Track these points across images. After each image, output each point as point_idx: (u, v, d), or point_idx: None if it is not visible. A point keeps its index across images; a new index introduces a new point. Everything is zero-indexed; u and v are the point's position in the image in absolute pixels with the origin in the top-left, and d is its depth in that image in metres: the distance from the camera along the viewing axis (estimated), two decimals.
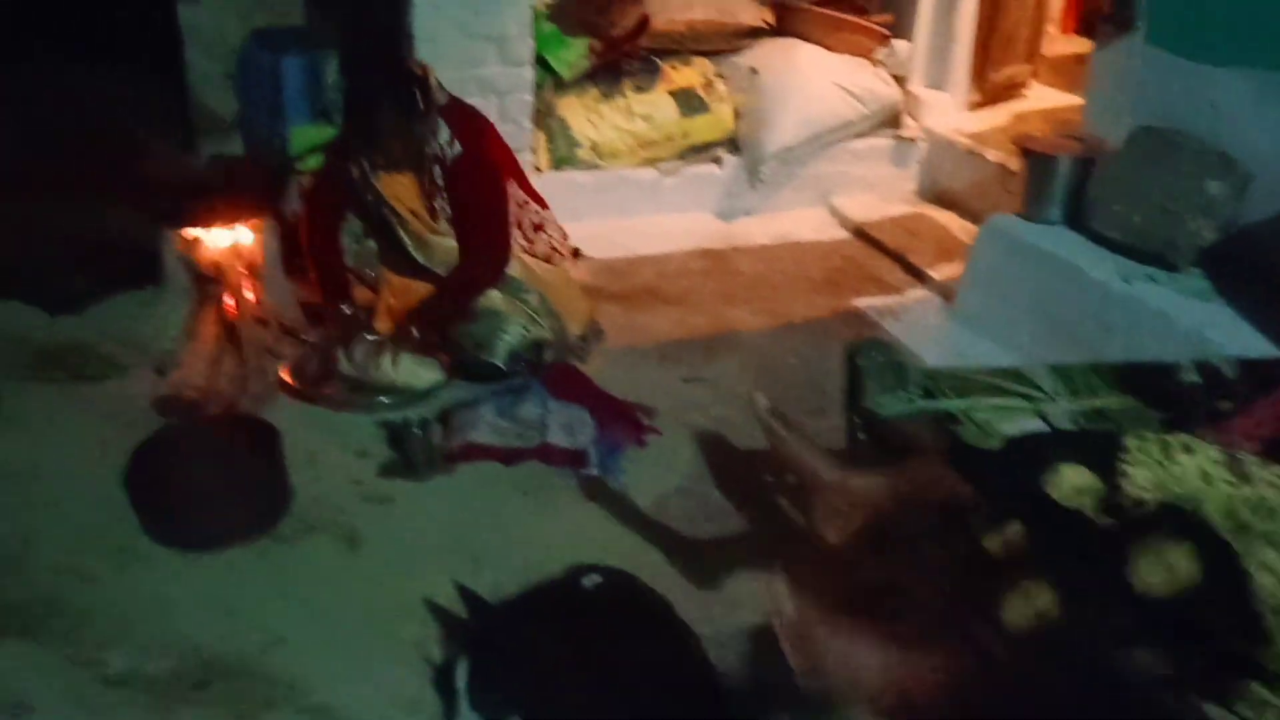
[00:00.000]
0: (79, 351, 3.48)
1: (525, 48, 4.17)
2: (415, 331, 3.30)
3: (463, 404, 3.17)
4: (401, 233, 3.37)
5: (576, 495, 2.94)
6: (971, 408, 2.32)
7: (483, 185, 3.30)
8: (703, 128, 4.64)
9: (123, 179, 3.83)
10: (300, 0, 5.52)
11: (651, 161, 4.65)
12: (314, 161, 5.00)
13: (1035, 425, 2.28)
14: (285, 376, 3.37)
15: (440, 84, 3.32)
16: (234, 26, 5.36)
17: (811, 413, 3.28)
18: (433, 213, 3.34)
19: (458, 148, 3.25)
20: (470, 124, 3.35)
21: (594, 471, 2.94)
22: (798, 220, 4.72)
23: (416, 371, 3.26)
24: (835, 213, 4.76)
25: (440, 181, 3.28)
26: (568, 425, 3.03)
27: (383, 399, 3.24)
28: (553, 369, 3.21)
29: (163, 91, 5.72)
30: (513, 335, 3.30)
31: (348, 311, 3.38)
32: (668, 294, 4.12)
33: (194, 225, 3.56)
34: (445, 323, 3.32)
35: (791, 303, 4.07)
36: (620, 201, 4.58)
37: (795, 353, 3.71)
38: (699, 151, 4.71)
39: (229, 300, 3.55)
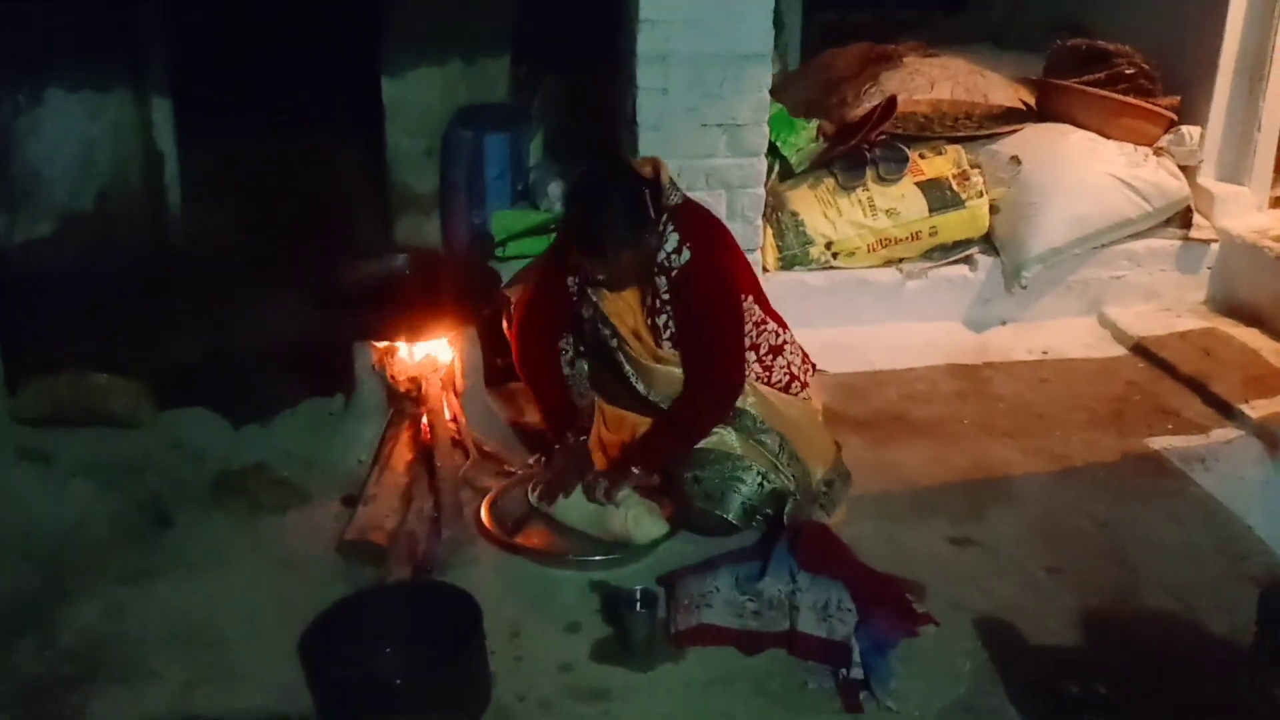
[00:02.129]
0: (260, 475, 3.13)
1: (759, 136, 3.69)
2: (635, 470, 2.81)
3: (691, 570, 2.64)
4: (621, 357, 2.89)
5: (832, 703, 2.36)
6: None
7: (712, 301, 2.80)
8: (954, 225, 4.06)
9: (318, 274, 3.48)
10: (506, 76, 5.22)
11: (893, 262, 4.09)
12: (515, 249, 4.71)
13: None
14: (485, 516, 2.92)
15: (674, 182, 2.84)
16: (437, 102, 5.08)
17: (1119, 596, 2.64)
18: (657, 335, 2.85)
19: (686, 255, 2.76)
20: (702, 228, 2.85)
21: (856, 674, 2.36)
22: (1063, 332, 4.07)
23: (642, 522, 2.76)
24: (1108, 325, 4.09)
25: (665, 295, 2.79)
26: (822, 607, 2.47)
27: (595, 557, 2.74)
28: (801, 531, 2.66)
29: (362, 169, 5.53)
30: (749, 486, 2.77)
31: (571, 439, 2.91)
32: (917, 422, 3.53)
33: (389, 335, 3.16)
34: (665, 464, 2.81)
35: (1068, 439, 3.42)
36: (856, 307, 4.03)
37: (1084, 510, 3.06)
38: (947, 251, 4.12)
39: (424, 421, 3.13)
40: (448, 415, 3.16)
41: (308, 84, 5.50)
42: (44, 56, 4.73)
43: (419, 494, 3.01)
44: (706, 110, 3.61)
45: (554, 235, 4.71)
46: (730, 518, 2.76)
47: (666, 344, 2.83)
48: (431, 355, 3.20)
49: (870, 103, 4.51)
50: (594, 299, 2.86)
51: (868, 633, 2.41)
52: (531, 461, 3.15)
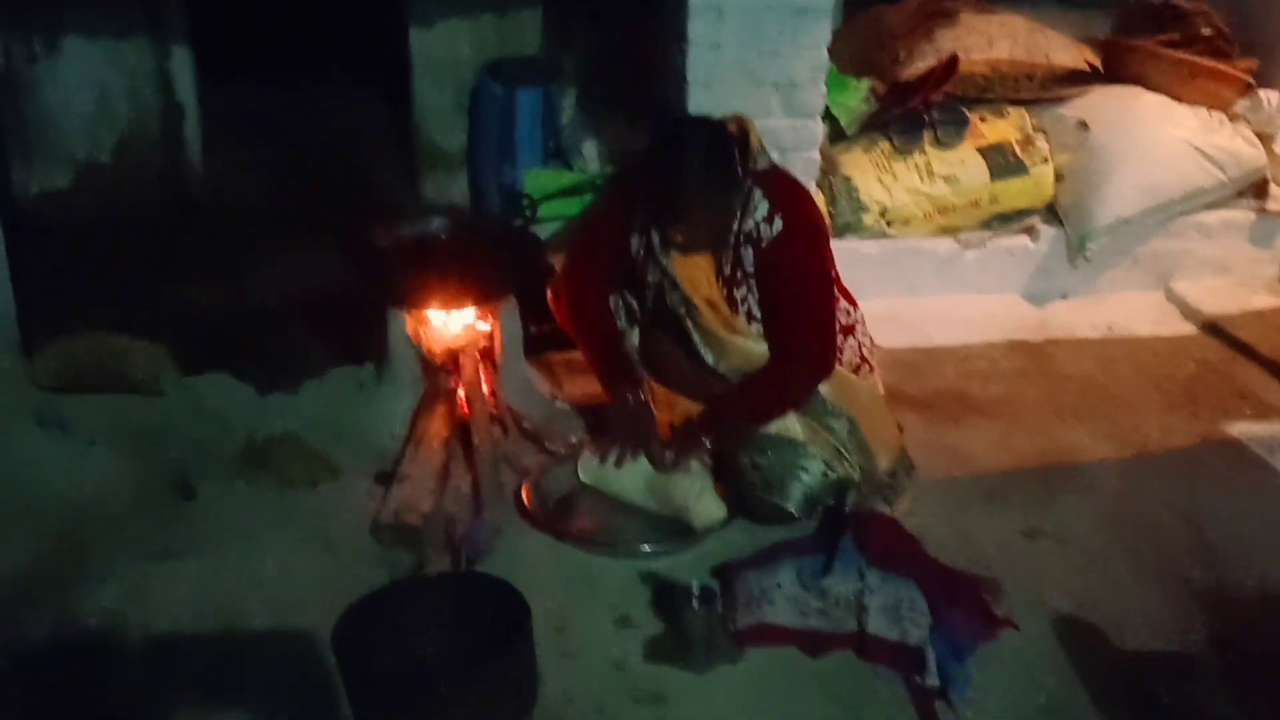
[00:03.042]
0: (288, 446, 2.95)
1: (816, 97, 3.47)
2: (707, 442, 2.62)
3: (750, 564, 2.47)
4: (690, 325, 2.69)
5: (905, 709, 2.20)
6: None
7: (809, 274, 2.60)
8: (1016, 192, 3.84)
9: (348, 235, 3.29)
10: (539, 28, 4.99)
11: (950, 231, 3.88)
12: (547, 210, 4.52)
13: None
14: (526, 498, 2.75)
15: (762, 144, 2.64)
16: (467, 55, 4.86)
17: (1208, 593, 2.47)
18: (733, 305, 2.65)
19: (779, 225, 2.55)
20: (795, 198, 2.65)
21: (931, 681, 2.19)
22: (1128, 307, 3.86)
23: (705, 500, 2.59)
24: (1176, 300, 3.88)
25: (750, 267, 2.59)
26: (892, 608, 2.30)
27: (645, 546, 2.57)
28: (869, 524, 2.48)
29: (388, 123, 5.33)
30: (812, 475, 2.59)
31: (633, 401, 2.70)
32: (980, 402, 3.34)
33: (425, 303, 2.97)
34: (736, 438, 2.62)
35: (1141, 422, 3.23)
36: (911, 277, 3.83)
37: (1164, 499, 2.87)
38: (1008, 220, 3.90)
39: (460, 395, 2.96)
40: (485, 389, 2.98)
41: (332, 33, 5.34)
42: (59, 1, 4.54)
43: (455, 472, 2.85)
44: (761, 68, 3.38)
45: (589, 196, 4.57)
46: (790, 508, 2.59)
47: (742, 316, 2.64)
48: (469, 325, 3.01)
49: (925, 61, 4.28)
50: (663, 262, 2.66)
51: (944, 637, 2.24)
52: (574, 439, 2.97)
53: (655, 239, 2.64)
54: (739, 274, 2.60)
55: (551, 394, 3.21)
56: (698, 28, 3.31)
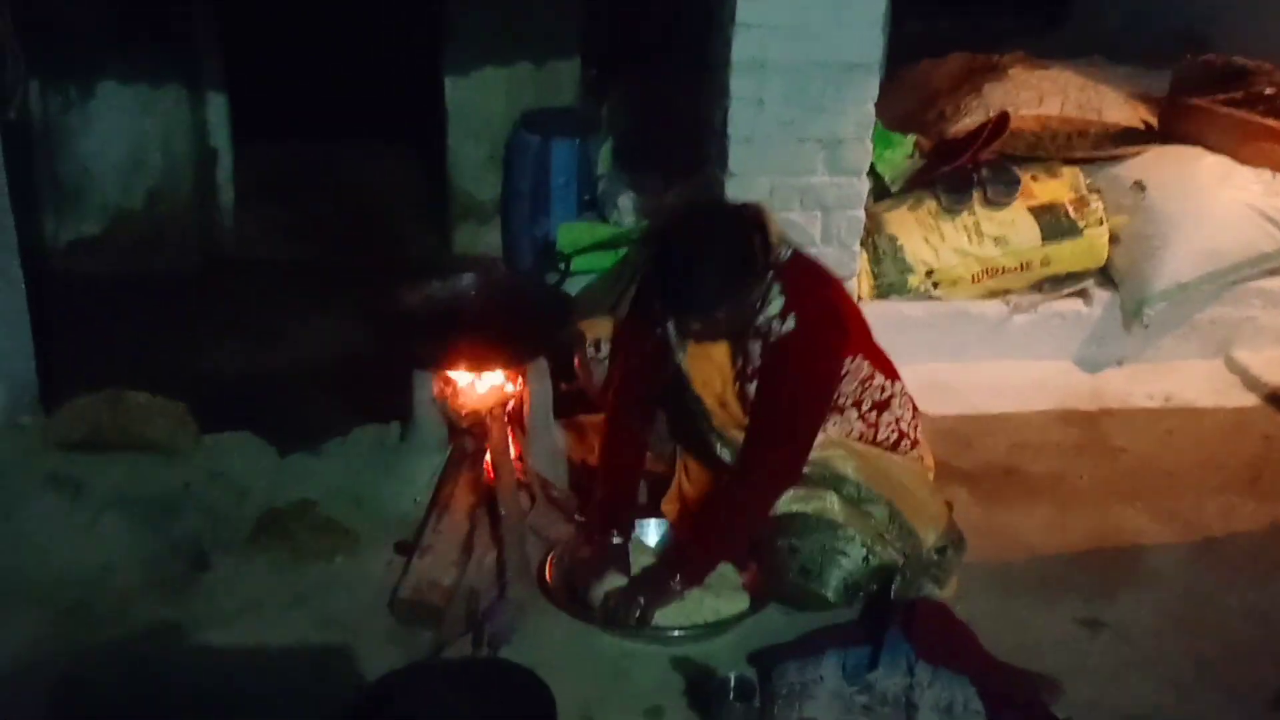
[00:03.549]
0: (305, 515, 2.84)
1: (862, 154, 3.35)
2: (677, 583, 2.46)
3: (790, 652, 2.31)
4: (705, 426, 2.58)
5: None
6: None
7: (805, 383, 2.45)
8: (1069, 255, 3.69)
9: (376, 291, 3.20)
10: (575, 79, 4.92)
11: (999, 293, 3.72)
12: (581, 264, 4.42)
13: None
14: (549, 575, 2.61)
15: (784, 235, 2.50)
16: (502, 105, 4.81)
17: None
18: (745, 403, 2.53)
19: (789, 324, 2.41)
20: (812, 293, 2.49)
21: None
22: (1187, 376, 3.69)
23: (726, 597, 2.44)
24: (1238, 370, 3.70)
25: (757, 363, 2.46)
26: (945, 708, 2.14)
27: (677, 630, 2.42)
28: (917, 612, 2.32)
29: (422, 174, 5.27)
30: (852, 560, 2.44)
31: (612, 540, 2.58)
32: (1031, 478, 3.18)
33: (452, 364, 2.86)
34: (702, 575, 2.48)
35: (1202, 504, 3.05)
36: (957, 342, 3.68)
37: (1230, 592, 2.69)
38: (1059, 283, 3.75)
39: (488, 460, 2.83)
40: (513, 454, 2.85)
41: (367, 84, 5.30)
42: (96, 49, 4.52)
43: (480, 543, 2.71)
44: (805, 124, 3.27)
45: (624, 250, 4.46)
46: (829, 595, 2.44)
47: None
48: (497, 386, 2.89)
49: (973, 117, 4.17)
50: (679, 359, 2.53)
51: None
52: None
53: (671, 330, 2.52)
54: (750, 370, 2.47)
55: (581, 459, 3.07)
56: (741, 83, 3.22)
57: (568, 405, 3.12)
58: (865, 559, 2.43)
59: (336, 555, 2.73)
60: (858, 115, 3.30)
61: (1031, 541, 2.88)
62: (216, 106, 4.82)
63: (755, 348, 2.44)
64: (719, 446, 2.55)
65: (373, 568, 2.69)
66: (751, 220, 2.43)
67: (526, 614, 2.49)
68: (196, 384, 3.52)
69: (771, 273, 2.41)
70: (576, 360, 2.80)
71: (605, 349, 2.76)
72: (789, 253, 2.47)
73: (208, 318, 4.16)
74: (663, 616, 2.41)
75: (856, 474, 2.50)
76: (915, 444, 2.66)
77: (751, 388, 2.48)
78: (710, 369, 2.52)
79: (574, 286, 4.34)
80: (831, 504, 2.47)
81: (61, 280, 4.18)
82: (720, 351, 2.51)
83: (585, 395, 2.92)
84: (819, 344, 2.44)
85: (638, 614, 2.38)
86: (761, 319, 2.41)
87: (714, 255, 2.34)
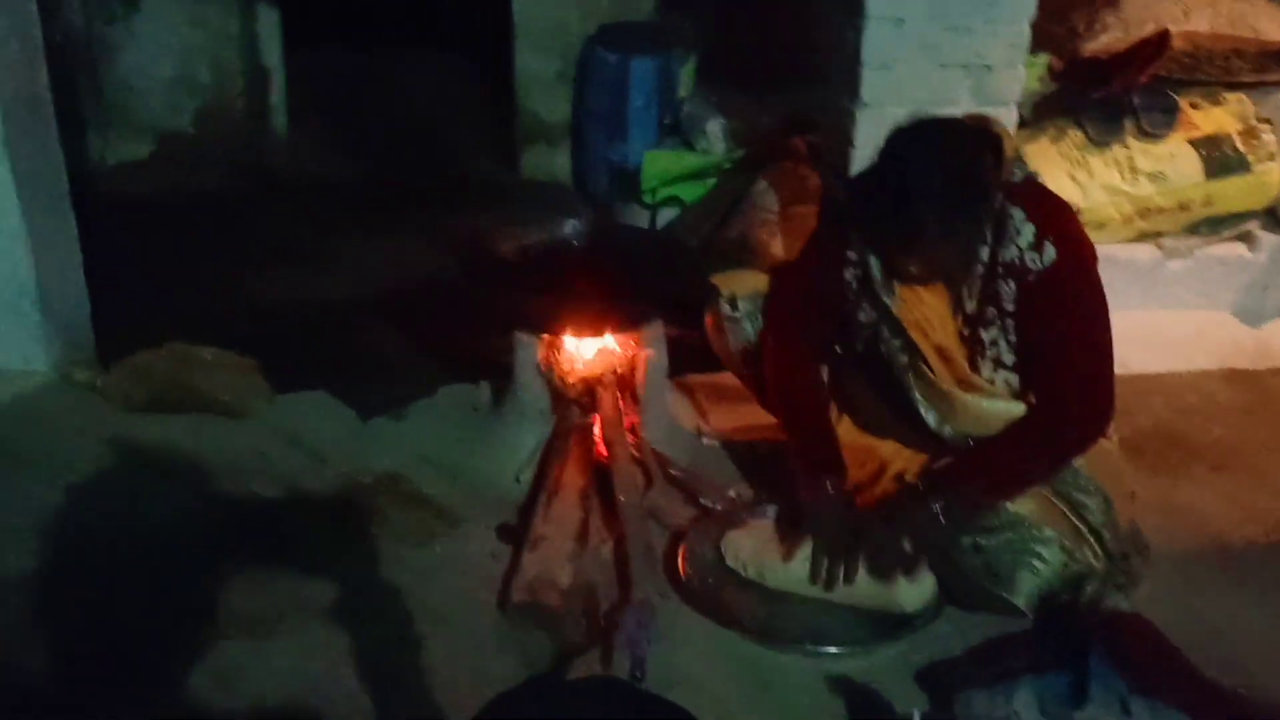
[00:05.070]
0: (395, 490, 2.55)
1: (1013, 81, 2.97)
2: (940, 512, 2.10)
3: (971, 674, 1.99)
4: (911, 379, 2.20)
5: None
6: None
7: (1089, 311, 2.11)
8: (1234, 193, 3.29)
9: (466, 242, 2.86)
10: None
11: (1151, 236, 3.33)
12: (665, 194, 4.10)
13: None
14: (682, 569, 2.29)
15: (1020, 155, 2.14)
16: (574, 17, 4.46)
17: None
18: (975, 352, 2.15)
19: (1050, 253, 2.04)
20: (1062, 218, 2.14)
21: None
22: None
23: (907, 587, 2.11)
24: None
25: (1009, 304, 2.09)
26: None
27: (830, 649, 2.10)
28: (1121, 630, 1.99)
29: (486, 92, 4.91)
30: (1050, 565, 2.10)
31: (835, 495, 2.18)
32: (1199, 446, 2.84)
33: (558, 326, 2.52)
34: (972, 515, 2.13)
35: None
36: (1106, 290, 3.27)
37: None
38: (1218, 225, 3.35)
39: (599, 435, 2.51)
40: (625, 427, 2.53)
41: None
42: None
43: (595, 532, 2.40)
44: (949, 47, 2.88)
45: (714, 182, 4.11)
46: (1020, 604, 2.10)
47: (987, 365, 2.14)
48: (608, 351, 2.56)
49: (1110, 35, 3.74)
50: (885, 300, 2.16)
51: None
52: (732, 494, 2.50)
53: (875, 270, 2.15)
54: (989, 312, 2.10)
55: (696, 429, 2.75)
56: (879, 1, 2.80)
57: (675, 364, 2.78)
58: (1065, 564, 2.09)
59: (434, 539, 2.42)
60: (1009, 36, 2.91)
61: (1214, 525, 2.55)
62: (268, 18, 4.53)
63: (1007, 287, 2.07)
64: (925, 408, 2.18)
65: (476, 555, 2.39)
66: (983, 136, 2.05)
67: (657, 618, 2.18)
68: (258, 326, 3.26)
69: (1004, 197, 2.03)
70: (709, 320, 2.44)
71: (744, 306, 2.39)
72: (1022, 174, 2.10)
73: (261, 245, 3.86)
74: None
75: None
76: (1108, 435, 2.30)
77: (989, 333, 2.11)
78: (927, 312, 2.15)
79: (659, 220, 4.03)
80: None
81: (108, 205, 3.90)
82: (934, 293, 2.14)
83: (712, 354, 2.56)
84: (1088, 270, 2.10)
85: (899, 559, 2.07)
86: (1011, 251, 2.05)
87: (942, 177, 1.95)
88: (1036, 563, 2.09)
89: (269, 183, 4.44)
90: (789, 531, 2.20)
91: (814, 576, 2.11)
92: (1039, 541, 2.09)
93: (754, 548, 2.24)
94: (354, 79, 5.12)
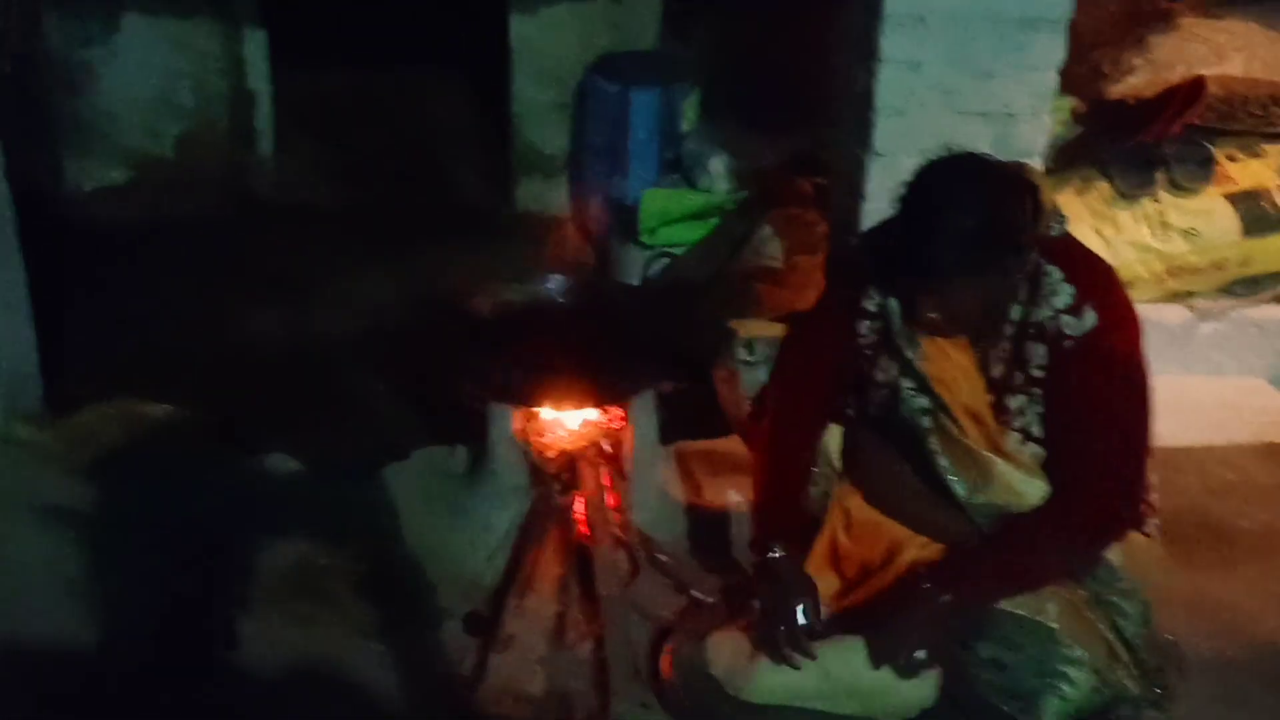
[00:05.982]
0: (352, 572, 2.32)
1: (1037, 132, 2.75)
2: (945, 598, 1.88)
3: None
4: (936, 443, 1.96)
5: None
6: None
7: (1128, 389, 1.88)
8: (1274, 252, 3.09)
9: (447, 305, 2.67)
10: (657, 17, 4.40)
11: (1183, 296, 3.12)
12: (665, 236, 3.94)
13: None
14: (665, 668, 2.06)
15: (1057, 208, 1.92)
16: (573, 46, 4.35)
17: None
18: (1002, 419, 1.93)
19: (1090, 319, 1.82)
20: (1104, 282, 1.92)
21: None
22: None
23: (911, 688, 1.89)
24: None
25: (1038, 371, 1.87)
26: None
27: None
28: None
29: (481, 121, 4.74)
30: (1078, 689, 1.85)
31: (784, 564, 1.98)
32: (1238, 535, 2.61)
33: (536, 398, 2.30)
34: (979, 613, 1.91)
35: None
36: None
37: None
38: (1253, 286, 3.14)
39: (579, 513, 2.29)
40: (610, 506, 2.30)
41: (422, 17, 4.69)
42: None
43: (572, 626, 2.17)
44: (969, 93, 2.67)
45: (716, 222, 3.93)
46: None
47: (1013, 436, 1.91)
48: (593, 423, 2.33)
49: (1137, 77, 3.54)
50: (907, 353, 1.94)
51: None
52: (723, 584, 2.27)
53: (895, 319, 1.93)
54: (1017, 378, 1.87)
55: (689, 504, 2.53)
56: (895, 42, 2.61)
57: (668, 430, 2.56)
58: (1095, 688, 1.86)
59: (393, 630, 2.20)
60: (1034, 84, 2.69)
61: (1252, 624, 2.32)
62: (254, 41, 4.40)
63: (1038, 351, 1.85)
64: (953, 475, 1.94)
65: (436, 647, 2.17)
66: (1022, 181, 1.85)
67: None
68: (227, 370, 3.12)
69: (1040, 252, 1.83)
70: (719, 372, 2.21)
71: (760, 352, 2.17)
72: (1061, 229, 1.89)
73: (240, 277, 3.74)
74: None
75: (1113, 552, 1.93)
76: (1153, 512, 2.07)
77: (1016, 401, 1.89)
78: (953, 371, 1.93)
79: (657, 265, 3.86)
80: (1047, 601, 1.89)
81: (81, 233, 3.78)
82: (960, 350, 1.92)
83: (721, 413, 2.32)
84: (1131, 343, 1.88)
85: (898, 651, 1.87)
86: (1045, 312, 1.84)
87: (976, 215, 1.75)
88: (1063, 685, 1.85)
89: (251, 211, 4.30)
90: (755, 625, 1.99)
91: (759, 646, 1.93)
92: (1067, 662, 1.85)
93: (732, 653, 2.00)
94: (344, 103, 4.97)
